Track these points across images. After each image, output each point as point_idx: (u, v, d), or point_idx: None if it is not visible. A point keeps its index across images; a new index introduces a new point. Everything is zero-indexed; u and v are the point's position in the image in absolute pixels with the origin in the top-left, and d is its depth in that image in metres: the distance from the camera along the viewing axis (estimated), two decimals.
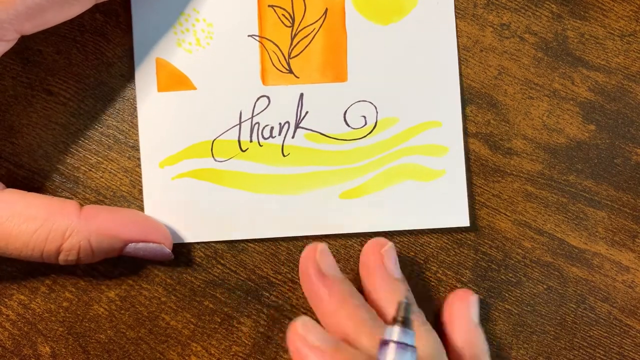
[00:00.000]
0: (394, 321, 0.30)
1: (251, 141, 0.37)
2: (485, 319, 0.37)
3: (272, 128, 0.37)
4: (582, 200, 0.38)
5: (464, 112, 0.38)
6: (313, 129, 0.37)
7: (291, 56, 0.37)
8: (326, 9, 0.37)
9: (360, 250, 0.37)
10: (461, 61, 0.38)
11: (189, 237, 0.37)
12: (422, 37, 0.37)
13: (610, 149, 0.38)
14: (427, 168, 0.37)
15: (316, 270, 0.35)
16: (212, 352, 0.37)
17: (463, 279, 0.37)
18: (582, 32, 0.38)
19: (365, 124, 0.37)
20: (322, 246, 0.35)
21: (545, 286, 0.38)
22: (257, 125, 0.37)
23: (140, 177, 0.37)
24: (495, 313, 0.37)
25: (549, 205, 0.38)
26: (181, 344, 0.37)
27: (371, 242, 0.36)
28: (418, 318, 0.34)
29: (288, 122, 0.37)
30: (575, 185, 0.38)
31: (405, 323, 0.30)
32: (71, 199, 0.37)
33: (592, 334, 0.37)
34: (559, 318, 0.37)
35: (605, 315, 0.37)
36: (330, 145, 0.37)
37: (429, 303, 0.37)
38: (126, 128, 0.37)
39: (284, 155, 0.37)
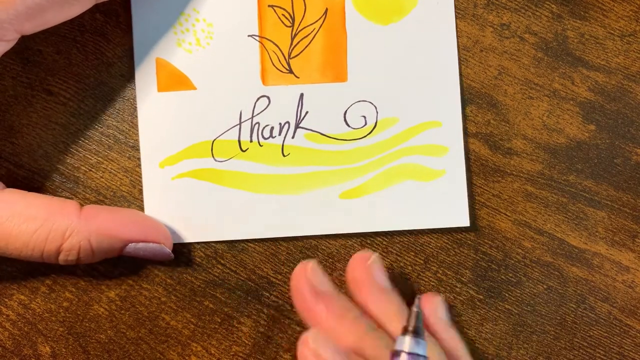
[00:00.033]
0: (405, 331, 0.30)
1: (251, 141, 0.37)
2: (485, 319, 0.37)
3: (272, 128, 0.37)
4: (582, 200, 0.38)
5: (464, 112, 0.38)
6: (313, 129, 0.37)
7: (291, 56, 0.37)
8: (326, 9, 0.37)
9: (360, 250, 0.37)
10: (461, 61, 0.38)
11: (189, 237, 0.37)
12: (422, 37, 0.37)
13: (610, 149, 0.38)
14: (427, 168, 0.37)
15: (310, 288, 0.34)
16: (212, 352, 0.37)
17: (463, 279, 0.37)
18: (582, 32, 0.38)
19: (365, 124, 0.37)
20: (312, 264, 0.35)
21: (545, 286, 0.38)
22: (257, 125, 0.37)
23: (140, 177, 0.37)
24: (495, 313, 0.37)
25: (549, 205, 0.38)
26: (181, 344, 0.37)
27: (356, 257, 0.36)
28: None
29: (288, 122, 0.37)
30: (575, 185, 0.38)
31: (417, 332, 0.30)
32: (71, 199, 0.37)
33: (592, 334, 0.37)
34: (559, 318, 0.37)
35: (605, 315, 0.38)
36: (330, 145, 0.37)
37: None
38: (126, 128, 0.37)
39: (284, 155, 0.37)
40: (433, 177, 0.37)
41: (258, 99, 0.37)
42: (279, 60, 0.37)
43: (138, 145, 0.37)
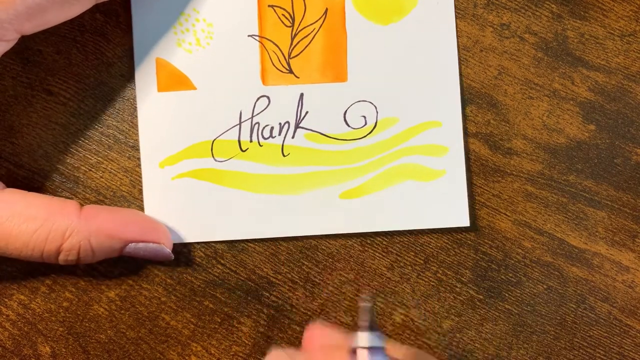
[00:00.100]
0: (359, 327, 0.30)
1: (251, 141, 0.37)
2: (485, 319, 0.37)
3: (272, 128, 0.37)
4: (582, 200, 0.38)
5: (464, 112, 0.38)
6: (313, 129, 0.37)
7: (291, 56, 0.37)
8: (326, 9, 0.37)
9: (360, 250, 0.37)
10: (461, 61, 0.38)
11: (189, 237, 0.37)
12: (422, 37, 0.37)
13: (610, 149, 0.38)
14: (427, 168, 0.37)
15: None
16: (212, 352, 0.37)
17: (463, 279, 0.37)
18: (582, 32, 0.38)
19: (365, 124, 0.37)
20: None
21: (545, 286, 0.38)
22: (257, 125, 0.37)
23: (140, 177, 0.37)
24: (495, 313, 0.37)
25: (549, 205, 0.38)
26: (181, 344, 0.37)
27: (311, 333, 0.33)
28: None
29: (288, 122, 0.37)
30: (575, 185, 0.38)
31: (372, 326, 0.30)
32: (71, 199, 0.37)
33: (592, 334, 0.37)
34: (559, 318, 0.37)
35: (605, 315, 0.37)
36: (330, 145, 0.37)
37: (429, 303, 0.37)
38: (126, 128, 0.37)
39: (284, 155, 0.37)
40: (433, 177, 0.37)
41: (258, 99, 0.37)
42: (279, 60, 0.37)
43: (138, 145, 0.37)
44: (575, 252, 0.38)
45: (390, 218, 0.37)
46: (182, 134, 0.37)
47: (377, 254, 0.37)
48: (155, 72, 0.37)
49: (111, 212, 0.35)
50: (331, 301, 0.37)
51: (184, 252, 0.37)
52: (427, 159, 0.37)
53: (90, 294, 0.37)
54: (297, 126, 0.37)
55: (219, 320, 0.37)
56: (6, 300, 0.37)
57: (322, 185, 0.37)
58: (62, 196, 0.37)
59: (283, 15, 0.37)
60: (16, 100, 0.37)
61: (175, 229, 0.37)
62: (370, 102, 0.37)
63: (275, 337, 0.37)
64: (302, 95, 0.37)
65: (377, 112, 0.37)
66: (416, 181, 0.37)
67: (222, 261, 0.37)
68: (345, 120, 0.37)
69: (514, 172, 0.38)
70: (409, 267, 0.37)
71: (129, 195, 0.37)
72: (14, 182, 0.37)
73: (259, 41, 0.37)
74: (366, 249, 0.37)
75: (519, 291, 0.38)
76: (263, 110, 0.37)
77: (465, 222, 0.37)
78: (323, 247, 0.37)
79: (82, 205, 0.35)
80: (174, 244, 0.36)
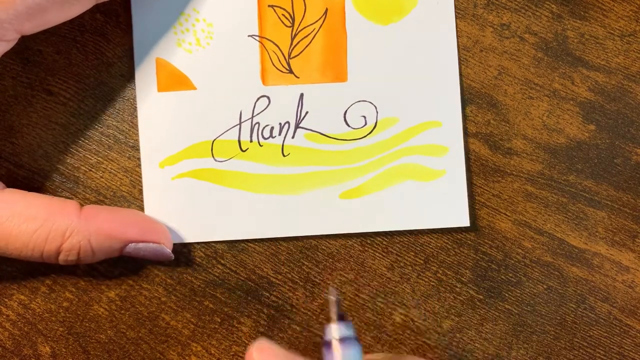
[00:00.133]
0: (330, 319, 0.31)
1: (251, 141, 0.37)
2: (485, 319, 0.37)
3: (272, 128, 0.37)
4: (582, 200, 0.38)
5: (464, 112, 0.38)
6: (313, 129, 0.37)
7: (291, 56, 0.37)
8: (326, 9, 0.37)
9: (360, 250, 0.37)
10: (461, 61, 0.38)
11: (189, 237, 0.37)
12: (422, 37, 0.37)
13: (610, 149, 0.38)
14: (427, 168, 0.37)
15: None
16: (212, 352, 0.37)
17: (463, 279, 0.37)
18: (582, 32, 0.38)
19: (365, 124, 0.37)
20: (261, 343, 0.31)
21: (545, 286, 0.38)
22: (257, 125, 0.37)
23: (140, 177, 0.37)
24: (495, 313, 0.37)
25: (549, 205, 0.38)
26: (181, 344, 0.37)
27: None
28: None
29: (288, 122, 0.37)
30: (575, 185, 0.38)
31: (341, 317, 0.31)
32: (71, 199, 0.37)
33: (592, 334, 0.37)
34: (559, 318, 0.37)
35: (605, 315, 0.37)
36: (330, 145, 0.37)
37: (429, 303, 0.37)
38: (126, 128, 0.37)
39: (284, 155, 0.37)
40: (433, 177, 0.37)
41: (258, 99, 0.37)
42: (279, 60, 0.37)
43: (138, 145, 0.37)
44: (575, 252, 0.38)
45: (390, 218, 0.37)
46: (182, 134, 0.37)
47: (377, 254, 0.37)
48: (155, 72, 0.37)
49: (111, 212, 0.35)
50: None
51: (184, 252, 0.37)
52: (427, 159, 0.37)
53: (90, 294, 0.37)
54: (297, 126, 0.37)
55: (219, 320, 0.37)
56: (6, 300, 0.37)
57: (322, 185, 0.37)
58: (62, 196, 0.37)
59: (283, 15, 0.37)
60: (16, 100, 0.37)
61: (175, 229, 0.37)
62: (370, 102, 0.37)
63: (275, 337, 0.37)
64: (302, 95, 0.37)
65: (377, 112, 0.37)
66: (416, 181, 0.37)
67: (222, 261, 0.37)
68: (345, 120, 0.37)
69: (514, 172, 0.38)
70: (409, 267, 0.37)
71: (129, 195, 0.37)
72: (14, 182, 0.37)
73: (259, 41, 0.37)
74: (366, 249, 0.37)
75: (519, 291, 0.38)
76: (263, 110, 0.37)
77: (465, 222, 0.37)
78: (323, 247, 0.37)
79: (82, 205, 0.35)
80: (174, 244, 0.36)
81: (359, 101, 0.37)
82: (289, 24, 0.37)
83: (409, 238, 0.38)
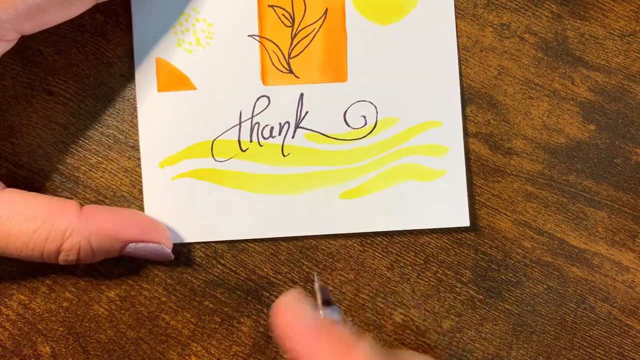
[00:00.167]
0: (317, 306, 0.31)
1: (251, 141, 0.37)
2: (485, 319, 0.37)
3: (272, 128, 0.37)
4: (582, 200, 0.38)
5: (464, 112, 0.38)
6: (313, 129, 0.37)
7: (291, 56, 0.37)
8: (326, 9, 0.37)
9: (360, 250, 0.37)
10: (461, 61, 0.38)
11: (189, 237, 0.37)
12: (422, 37, 0.37)
13: (610, 149, 0.38)
14: (427, 168, 0.37)
15: (305, 326, 0.29)
16: (212, 352, 0.37)
17: (463, 279, 0.37)
18: (582, 32, 0.38)
19: (365, 124, 0.37)
20: (295, 293, 0.30)
21: (545, 286, 0.38)
22: (257, 125, 0.37)
23: (140, 177, 0.37)
24: (495, 313, 0.37)
25: (549, 205, 0.38)
26: (181, 344, 0.37)
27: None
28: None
29: (288, 122, 0.37)
30: (575, 185, 0.38)
31: (328, 302, 0.31)
32: (71, 199, 0.37)
33: (592, 334, 0.37)
34: (559, 318, 0.37)
35: (605, 315, 0.37)
36: (330, 145, 0.37)
37: (429, 303, 0.37)
38: (126, 128, 0.37)
39: (284, 155, 0.37)
40: (433, 177, 0.37)
41: (258, 99, 0.37)
42: (279, 60, 0.37)
43: (138, 145, 0.37)
44: (575, 252, 0.38)
45: (390, 218, 0.37)
46: (182, 134, 0.37)
47: (377, 254, 0.37)
48: (155, 72, 0.37)
49: (111, 212, 0.35)
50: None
51: (184, 252, 0.37)
52: (427, 159, 0.37)
53: (90, 294, 0.37)
54: (297, 126, 0.37)
55: (219, 320, 0.37)
56: (6, 300, 0.37)
57: (322, 185, 0.37)
58: (62, 196, 0.37)
59: (283, 15, 0.37)
60: (16, 100, 0.37)
61: (175, 229, 0.37)
62: (370, 102, 0.37)
63: (275, 337, 0.37)
64: (302, 95, 0.37)
65: (377, 112, 0.37)
66: (416, 181, 0.37)
67: (222, 261, 0.37)
68: (345, 120, 0.37)
69: (514, 172, 0.38)
70: (409, 267, 0.37)
71: (129, 195, 0.37)
72: (14, 182, 0.37)
73: (259, 41, 0.37)
74: (366, 249, 0.37)
75: (519, 291, 0.38)
76: (263, 110, 0.37)
77: (465, 222, 0.37)
78: (323, 247, 0.37)
79: (82, 205, 0.35)
80: (174, 244, 0.36)
81: (359, 101, 0.37)
82: (289, 24, 0.37)
83: (409, 238, 0.38)
